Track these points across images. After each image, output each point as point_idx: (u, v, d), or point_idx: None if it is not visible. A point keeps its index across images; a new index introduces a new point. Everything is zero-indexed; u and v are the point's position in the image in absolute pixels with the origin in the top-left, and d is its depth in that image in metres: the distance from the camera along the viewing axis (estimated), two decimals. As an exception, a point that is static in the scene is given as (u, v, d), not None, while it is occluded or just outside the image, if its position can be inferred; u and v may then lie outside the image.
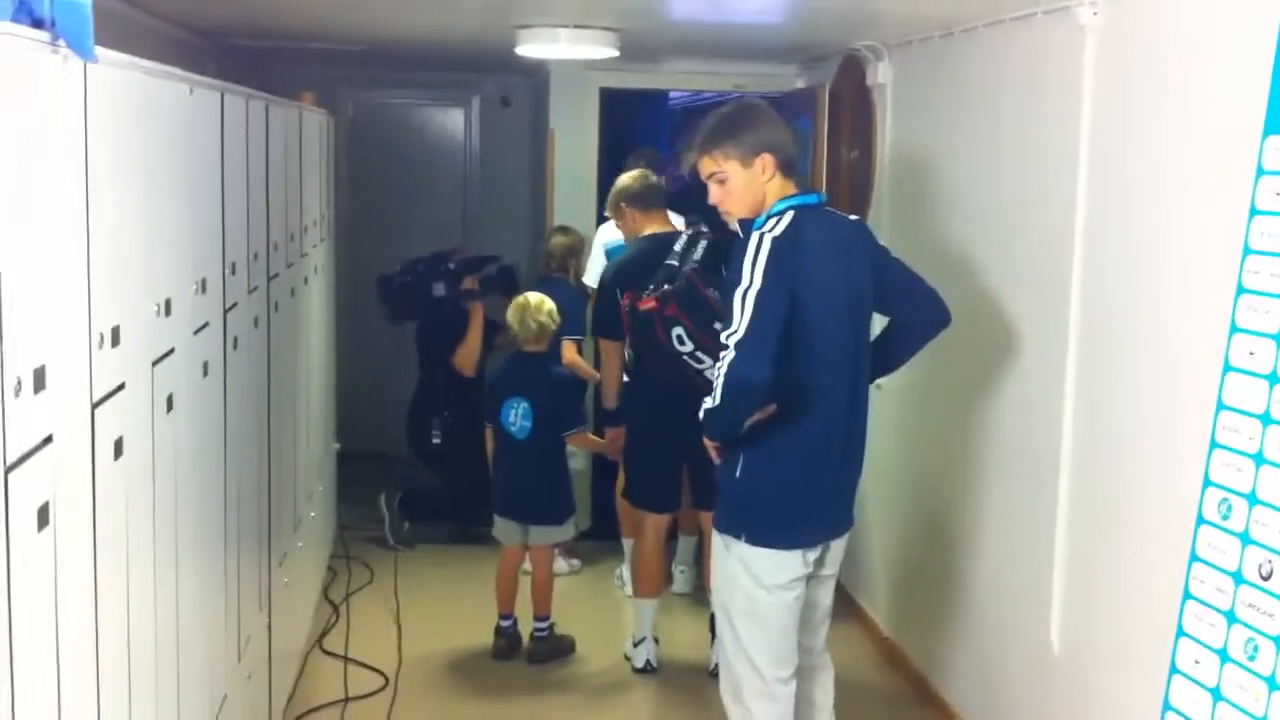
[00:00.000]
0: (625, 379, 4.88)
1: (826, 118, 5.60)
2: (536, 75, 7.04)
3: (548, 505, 4.93)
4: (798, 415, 3.22)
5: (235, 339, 3.15)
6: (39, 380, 1.69)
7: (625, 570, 5.49)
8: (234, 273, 3.15)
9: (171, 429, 2.46)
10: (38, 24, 1.73)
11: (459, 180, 7.91)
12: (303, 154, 4.54)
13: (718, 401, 3.10)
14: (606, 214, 5.23)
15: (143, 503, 2.26)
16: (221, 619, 3.03)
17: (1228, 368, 2.44)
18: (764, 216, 3.22)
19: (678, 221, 5.20)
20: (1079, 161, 3.47)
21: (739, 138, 3.25)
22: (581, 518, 5.71)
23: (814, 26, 4.98)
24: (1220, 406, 2.45)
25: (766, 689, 3.30)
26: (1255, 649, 2.29)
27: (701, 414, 3.18)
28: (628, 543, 5.36)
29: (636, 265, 4.51)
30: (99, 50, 1.89)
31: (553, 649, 4.91)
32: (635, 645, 4.83)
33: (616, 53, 5.15)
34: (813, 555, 3.32)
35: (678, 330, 3.94)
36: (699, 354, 3.93)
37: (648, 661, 4.79)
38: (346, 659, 4.77)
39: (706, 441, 3.32)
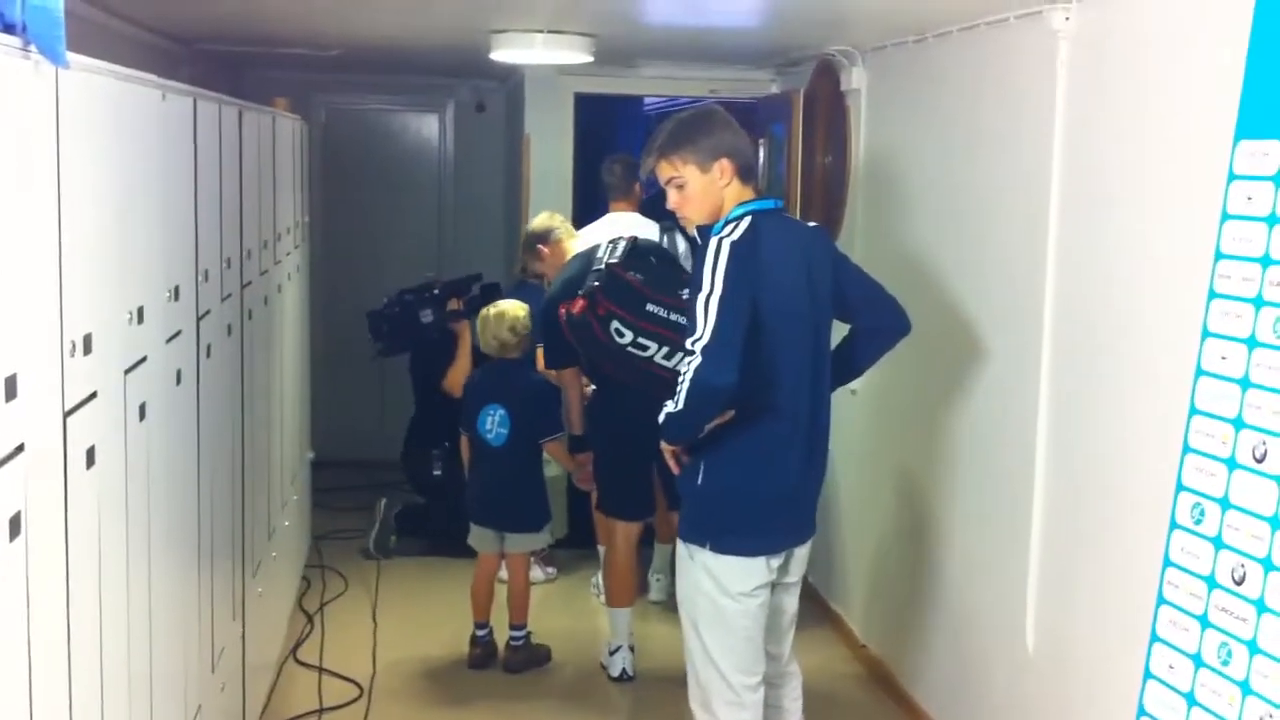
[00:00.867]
0: (592, 389, 4.86)
1: (801, 122, 5.61)
2: (511, 80, 7.02)
3: (524, 512, 4.92)
4: (760, 419, 3.20)
5: (208, 347, 3.13)
6: (10, 389, 1.67)
7: (600, 578, 5.48)
8: (207, 280, 3.12)
9: (144, 438, 2.45)
10: (9, 29, 1.71)
11: (433, 186, 7.88)
12: (276, 160, 4.51)
13: (680, 406, 3.07)
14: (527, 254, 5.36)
15: (115, 512, 2.24)
16: (195, 629, 3.01)
17: (1200, 372, 2.45)
18: (722, 222, 3.21)
19: (650, 226, 5.20)
20: (1052, 166, 3.48)
21: (697, 143, 3.24)
22: (558, 525, 5.69)
23: (788, 31, 4.99)
24: (1193, 411, 2.45)
25: (735, 696, 3.28)
26: (1229, 654, 2.29)
27: (662, 417, 3.14)
28: (604, 550, 5.34)
29: (570, 286, 4.25)
30: (71, 56, 1.87)
31: (529, 658, 4.89)
32: (611, 654, 4.81)
33: (591, 58, 5.16)
34: (776, 562, 3.30)
35: (614, 324, 3.88)
36: (641, 341, 3.87)
37: (624, 670, 4.78)
38: (321, 669, 4.74)
39: (665, 448, 3.29)
